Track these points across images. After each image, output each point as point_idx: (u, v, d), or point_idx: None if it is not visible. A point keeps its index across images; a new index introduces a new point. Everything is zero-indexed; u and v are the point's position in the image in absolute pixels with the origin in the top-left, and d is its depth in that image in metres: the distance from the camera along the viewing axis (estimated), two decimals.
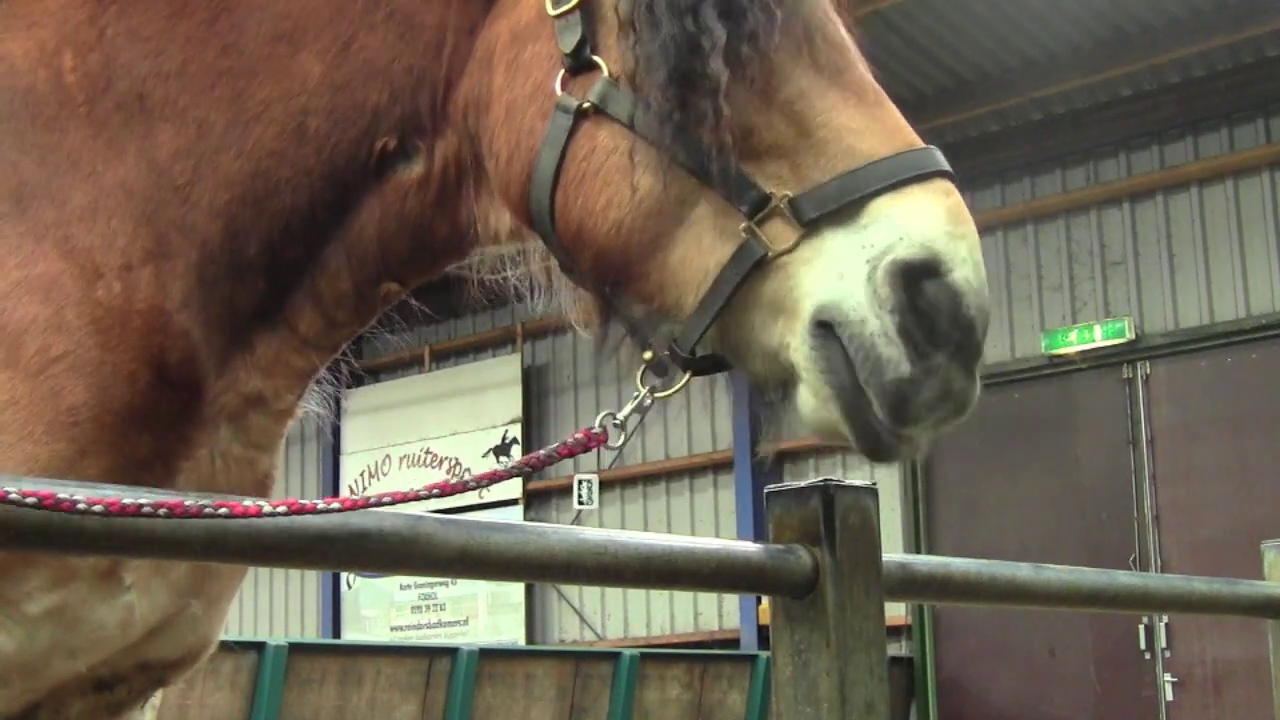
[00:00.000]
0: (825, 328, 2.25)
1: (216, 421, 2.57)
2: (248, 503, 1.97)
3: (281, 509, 2.00)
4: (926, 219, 2.25)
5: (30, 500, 1.80)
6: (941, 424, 2.29)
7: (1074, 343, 15.12)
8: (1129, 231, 15.20)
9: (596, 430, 2.36)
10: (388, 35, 2.55)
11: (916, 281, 2.22)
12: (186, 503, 1.92)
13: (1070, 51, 14.54)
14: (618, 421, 2.38)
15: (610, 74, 2.38)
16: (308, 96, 2.55)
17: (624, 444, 2.39)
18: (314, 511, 2.02)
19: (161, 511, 1.89)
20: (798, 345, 2.28)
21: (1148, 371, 14.84)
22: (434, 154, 2.55)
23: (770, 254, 2.28)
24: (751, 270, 2.28)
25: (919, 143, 2.35)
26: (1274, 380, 14.06)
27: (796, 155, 2.32)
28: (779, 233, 2.29)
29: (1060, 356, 15.17)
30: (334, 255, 2.59)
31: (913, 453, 2.35)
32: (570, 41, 2.40)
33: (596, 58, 2.39)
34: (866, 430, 2.28)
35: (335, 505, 2.06)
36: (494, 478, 2.28)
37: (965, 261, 2.24)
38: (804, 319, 2.27)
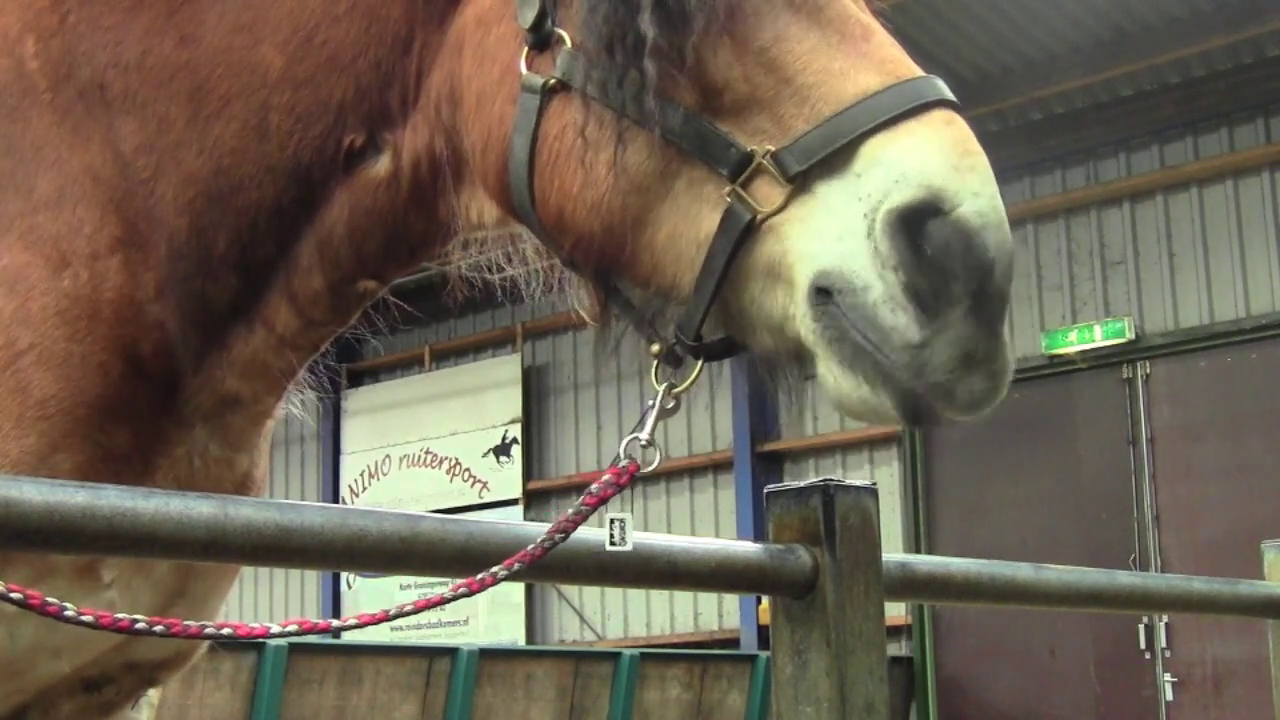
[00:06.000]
0: (825, 294, 2.06)
1: (192, 421, 2.52)
2: (254, 624, 1.93)
3: (292, 627, 1.94)
4: (925, 154, 2.04)
5: (15, 596, 1.78)
6: (976, 398, 2.04)
7: (1074, 343, 15.11)
8: (1129, 231, 15.19)
9: (624, 461, 2.18)
10: (351, 28, 2.44)
11: (920, 226, 2.00)
12: (186, 621, 1.90)
13: (1070, 51, 14.53)
14: (645, 441, 2.20)
15: (572, 44, 2.22)
16: (268, 91, 2.46)
17: (658, 463, 2.20)
18: (330, 630, 1.97)
19: (158, 629, 1.86)
20: (801, 316, 2.08)
21: (1147, 371, 14.83)
22: (403, 149, 2.45)
23: (759, 216, 2.09)
24: (742, 237, 2.09)
25: (915, 72, 2.14)
26: (1274, 380, 14.06)
27: (778, 106, 2.12)
28: (767, 192, 2.10)
29: (1060, 356, 15.16)
30: (305, 252, 2.49)
31: (964, 409, 2.08)
32: (529, 16, 2.25)
33: (559, 30, 2.23)
34: (901, 394, 2.05)
35: (352, 621, 1.99)
36: (527, 560, 2.10)
37: (975, 195, 2.03)
38: (802, 286, 2.07)
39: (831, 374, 2.09)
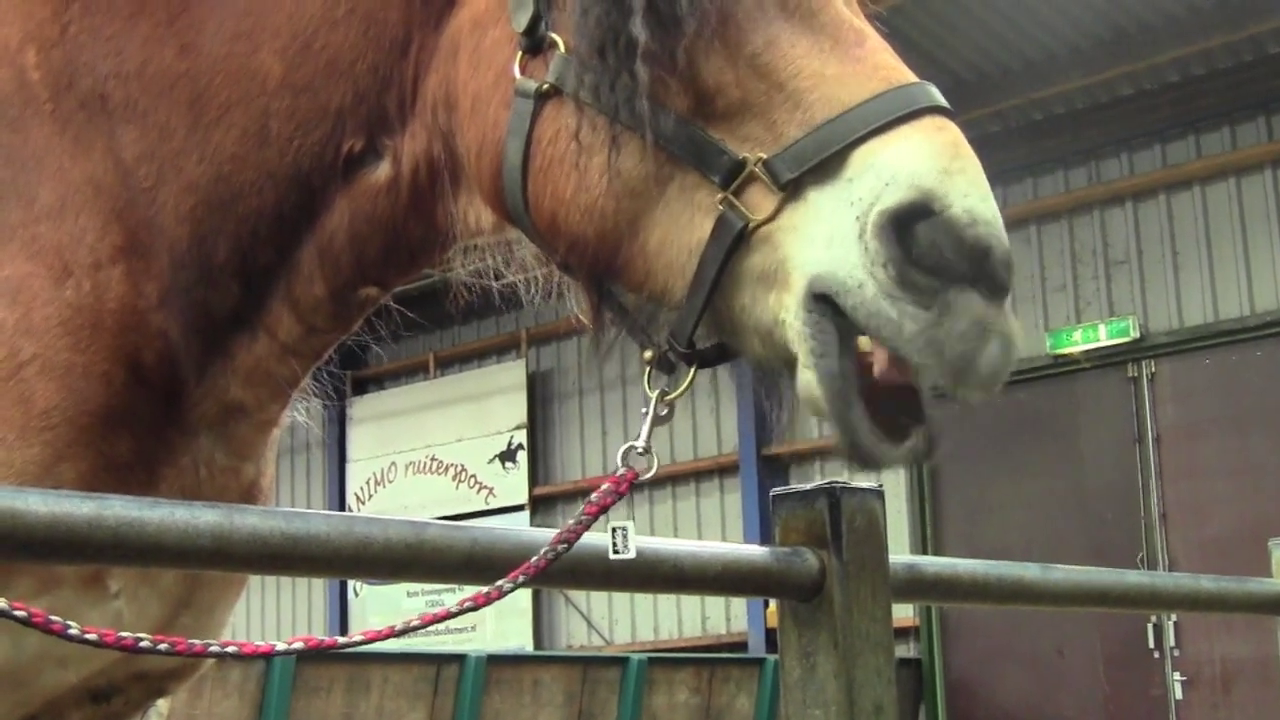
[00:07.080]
0: (823, 300, 2.05)
1: (197, 429, 2.52)
2: (259, 642, 1.93)
3: (297, 645, 1.93)
4: (915, 158, 2.04)
5: (19, 614, 1.78)
6: (996, 367, 2.01)
7: (1078, 342, 15.10)
8: (1132, 231, 15.19)
9: (622, 470, 2.18)
10: (350, 33, 2.44)
11: (910, 227, 2.00)
12: (191, 640, 1.90)
13: (1070, 51, 14.53)
14: (642, 448, 2.20)
15: (565, 49, 2.21)
16: (268, 98, 2.46)
17: (655, 468, 2.19)
18: (336, 647, 1.95)
19: (162, 647, 1.86)
20: (791, 320, 2.08)
21: (1152, 370, 14.82)
22: (402, 154, 2.44)
23: (751, 224, 2.09)
24: (734, 245, 2.09)
25: (908, 78, 2.13)
26: (1278, 377, 14.04)
27: (771, 112, 2.12)
28: (759, 200, 2.09)
29: (1065, 356, 15.15)
30: (306, 259, 2.49)
31: (903, 458, 2.12)
32: (523, 20, 2.25)
33: (553, 34, 2.23)
34: (846, 425, 2.06)
35: (358, 638, 1.98)
36: (531, 572, 2.10)
37: (965, 195, 2.02)
38: (797, 292, 2.07)
39: (805, 377, 2.09)
